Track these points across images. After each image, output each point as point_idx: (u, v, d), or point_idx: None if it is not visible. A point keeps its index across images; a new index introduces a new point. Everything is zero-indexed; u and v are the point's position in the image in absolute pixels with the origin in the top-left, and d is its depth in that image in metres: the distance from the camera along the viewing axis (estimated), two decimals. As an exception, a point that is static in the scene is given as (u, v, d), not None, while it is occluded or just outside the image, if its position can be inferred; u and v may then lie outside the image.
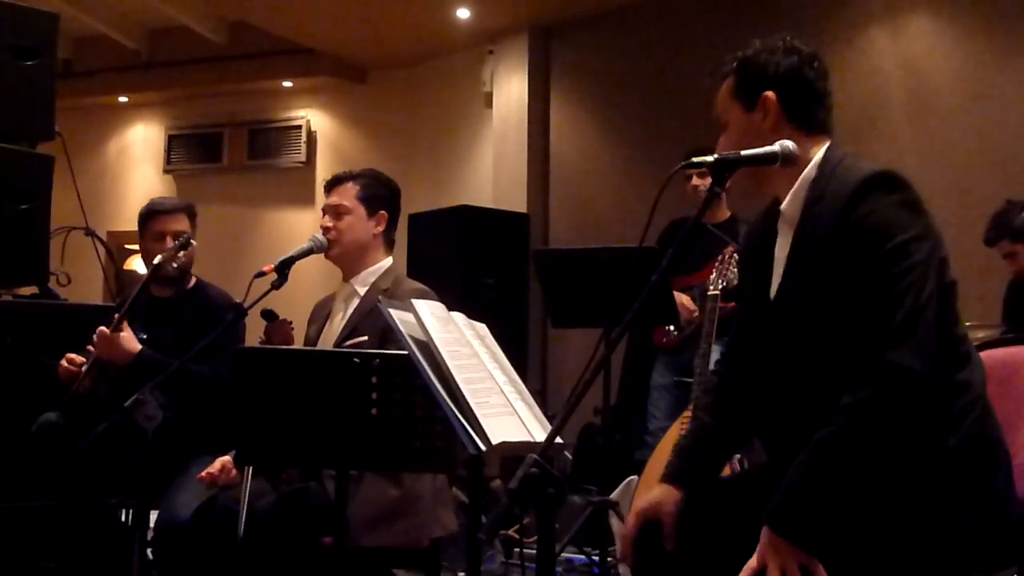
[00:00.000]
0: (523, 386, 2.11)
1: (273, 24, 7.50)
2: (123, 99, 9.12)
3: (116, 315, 3.24)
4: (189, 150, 8.82)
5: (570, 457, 5.46)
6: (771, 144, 1.88)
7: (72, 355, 3.30)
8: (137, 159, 9.19)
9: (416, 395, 2.20)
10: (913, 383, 1.69)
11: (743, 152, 1.89)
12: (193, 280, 3.55)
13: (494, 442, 1.85)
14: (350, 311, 3.02)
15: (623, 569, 3.46)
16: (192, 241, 3.39)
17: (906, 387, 1.69)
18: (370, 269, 3.07)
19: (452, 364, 1.94)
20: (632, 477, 3.77)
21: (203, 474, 2.86)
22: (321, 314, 3.16)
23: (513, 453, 1.88)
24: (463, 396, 1.89)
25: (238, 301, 2.88)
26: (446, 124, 7.74)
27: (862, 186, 1.80)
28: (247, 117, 8.56)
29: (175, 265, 3.34)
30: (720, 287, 3.76)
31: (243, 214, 8.56)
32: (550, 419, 2.03)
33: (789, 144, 1.89)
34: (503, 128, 7.21)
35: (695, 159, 1.92)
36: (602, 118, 6.97)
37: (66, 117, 4.52)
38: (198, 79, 8.54)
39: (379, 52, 7.77)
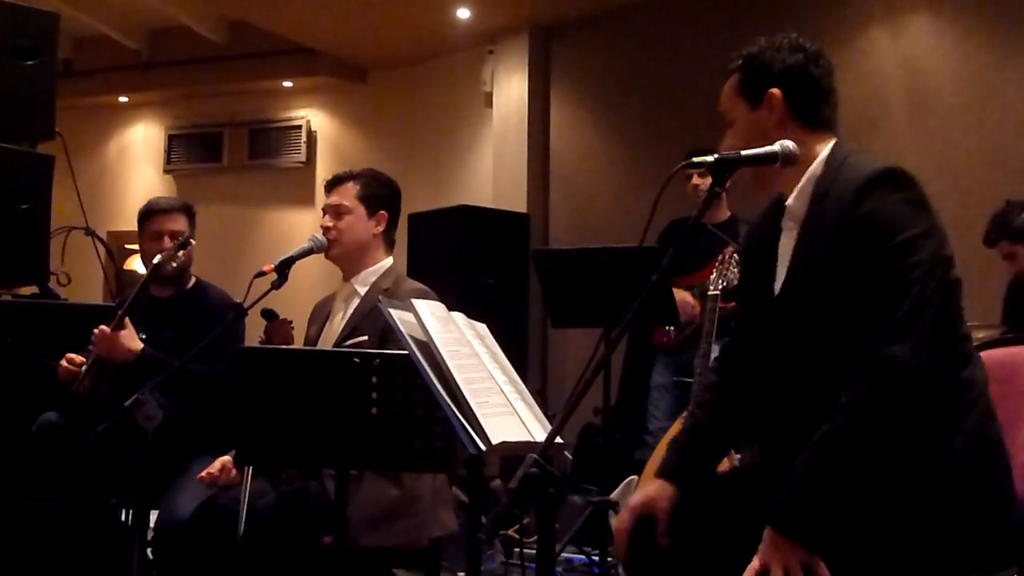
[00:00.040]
0: (523, 386, 2.11)
1: (273, 24, 7.50)
2: (123, 99, 9.13)
3: (118, 313, 3.24)
4: (189, 150, 8.82)
5: (570, 457, 5.46)
6: (775, 141, 1.88)
7: (72, 355, 3.30)
8: (137, 159, 9.19)
9: (416, 395, 2.20)
10: (910, 377, 1.69)
11: (743, 152, 1.90)
12: (193, 280, 3.55)
13: (494, 442, 1.85)
14: (350, 311, 3.02)
15: (623, 569, 3.46)
16: (191, 241, 3.38)
17: (903, 382, 1.69)
18: (370, 269, 3.07)
19: (452, 364, 1.94)
20: (632, 477, 3.77)
21: (203, 474, 2.86)
22: (321, 314, 3.16)
23: (513, 453, 1.88)
24: (463, 396, 1.90)
25: (238, 301, 2.88)
26: (446, 124, 7.74)
27: (868, 182, 1.80)
28: (247, 117, 8.56)
29: (174, 265, 3.34)
30: (720, 287, 3.76)
31: (243, 214, 8.57)
32: (550, 419, 2.03)
33: (789, 144, 1.89)
34: (503, 128, 7.21)
35: (695, 159, 1.92)
36: (602, 118, 6.97)
37: (66, 117, 4.52)
38: (198, 79, 8.54)
39: (379, 52, 7.77)
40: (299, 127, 8.39)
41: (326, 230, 3.04)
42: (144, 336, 3.33)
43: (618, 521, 1.98)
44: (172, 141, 8.89)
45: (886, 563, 1.73)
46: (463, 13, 6.92)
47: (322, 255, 3.05)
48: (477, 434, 1.86)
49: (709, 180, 1.90)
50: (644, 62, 6.68)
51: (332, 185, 3.10)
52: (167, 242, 3.39)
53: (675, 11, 6.53)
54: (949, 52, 5.51)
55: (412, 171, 7.20)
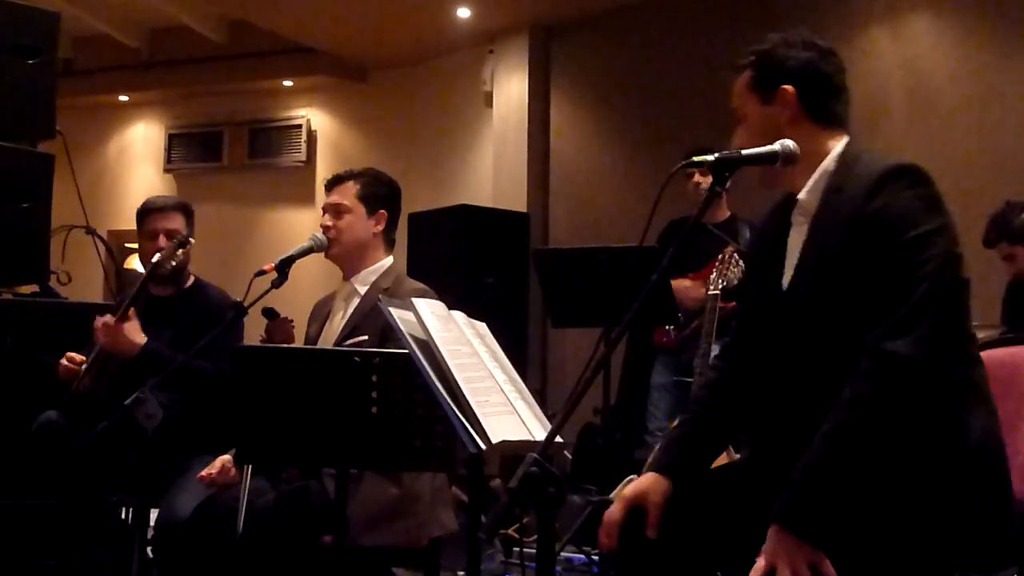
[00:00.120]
0: (523, 385, 2.11)
1: (273, 23, 7.50)
2: (123, 98, 9.13)
3: (124, 302, 3.24)
4: (189, 149, 8.82)
5: (570, 456, 5.46)
6: (787, 138, 1.89)
7: (72, 353, 3.29)
8: (137, 158, 9.19)
9: (416, 394, 2.20)
10: (912, 372, 1.68)
11: (744, 152, 1.90)
12: (192, 279, 3.55)
13: (494, 441, 1.85)
14: (350, 310, 3.02)
15: (607, 560, 3.46)
16: (190, 240, 3.37)
17: (905, 377, 1.69)
18: (370, 268, 3.07)
19: (452, 363, 1.94)
20: (632, 476, 3.76)
21: (202, 473, 2.86)
22: (321, 313, 3.16)
23: (513, 452, 1.88)
24: (463, 395, 1.90)
25: (238, 300, 2.88)
26: (446, 124, 7.74)
27: (883, 177, 1.80)
28: (247, 116, 8.56)
29: (173, 264, 3.33)
30: (720, 287, 3.76)
31: (243, 213, 8.57)
32: (550, 418, 2.03)
33: (789, 143, 1.90)
34: (503, 128, 7.21)
35: (696, 158, 1.92)
36: (602, 118, 6.97)
37: (67, 116, 4.52)
38: (198, 78, 8.55)
39: (379, 52, 7.77)
40: (299, 126, 8.39)
41: (326, 229, 3.04)
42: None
43: (608, 513, 1.97)
44: (172, 140, 8.89)
45: (887, 561, 1.73)
46: (463, 13, 6.92)
47: (322, 254, 3.05)
48: (477, 433, 1.86)
49: (710, 178, 1.90)
50: (644, 62, 6.68)
51: (332, 184, 3.10)
52: (163, 241, 3.38)
53: (675, 11, 6.53)
54: (949, 52, 5.51)
55: (412, 171, 7.20)
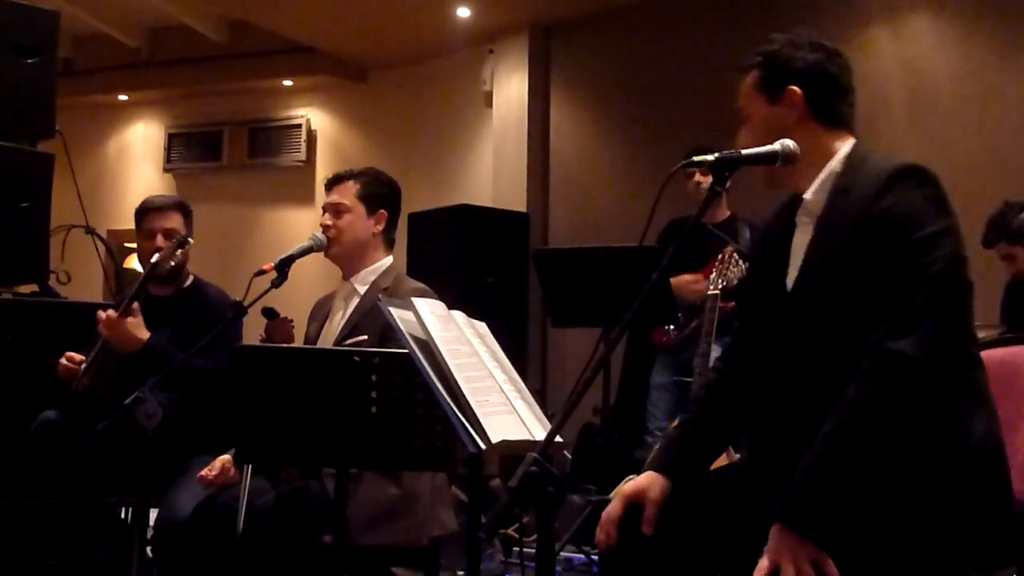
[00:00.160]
0: (523, 385, 2.11)
1: (273, 23, 7.50)
2: (123, 97, 9.12)
3: (124, 301, 3.23)
4: (189, 149, 8.82)
5: (569, 456, 5.46)
6: (791, 139, 1.89)
7: (72, 353, 3.29)
8: (137, 157, 9.19)
9: (416, 394, 2.20)
10: (915, 372, 1.68)
11: (744, 151, 1.91)
12: (190, 279, 3.54)
13: (494, 441, 1.85)
14: (350, 310, 3.02)
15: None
16: (189, 240, 3.37)
17: (908, 376, 1.68)
18: (370, 268, 3.07)
19: (452, 363, 1.94)
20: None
21: (202, 473, 2.86)
22: (321, 312, 3.16)
23: (513, 452, 1.88)
24: (463, 395, 1.89)
25: (237, 299, 2.88)
26: (446, 123, 7.74)
27: (892, 177, 1.80)
28: (247, 116, 8.56)
29: (172, 264, 3.33)
30: (720, 286, 3.77)
31: (243, 213, 8.57)
32: (550, 418, 2.03)
33: (789, 143, 1.90)
34: (503, 127, 7.21)
35: (696, 158, 1.92)
36: (602, 118, 6.97)
37: (66, 115, 4.52)
38: (198, 78, 8.54)
39: (379, 51, 7.77)
40: (299, 126, 8.39)
41: (326, 228, 3.04)
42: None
43: (607, 509, 1.97)
44: (172, 140, 8.88)
45: (889, 561, 1.73)
46: (463, 12, 6.92)
47: (322, 254, 3.05)
48: (477, 433, 1.86)
49: (710, 178, 1.90)
50: (644, 62, 6.68)
51: (332, 183, 3.10)
52: (160, 240, 3.37)
53: (675, 11, 6.53)
54: (949, 52, 5.51)
55: (412, 170, 7.19)
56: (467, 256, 6.38)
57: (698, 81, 6.20)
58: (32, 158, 3.88)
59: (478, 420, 1.86)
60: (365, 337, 2.87)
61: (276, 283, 2.80)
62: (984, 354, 1.93)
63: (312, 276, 5.24)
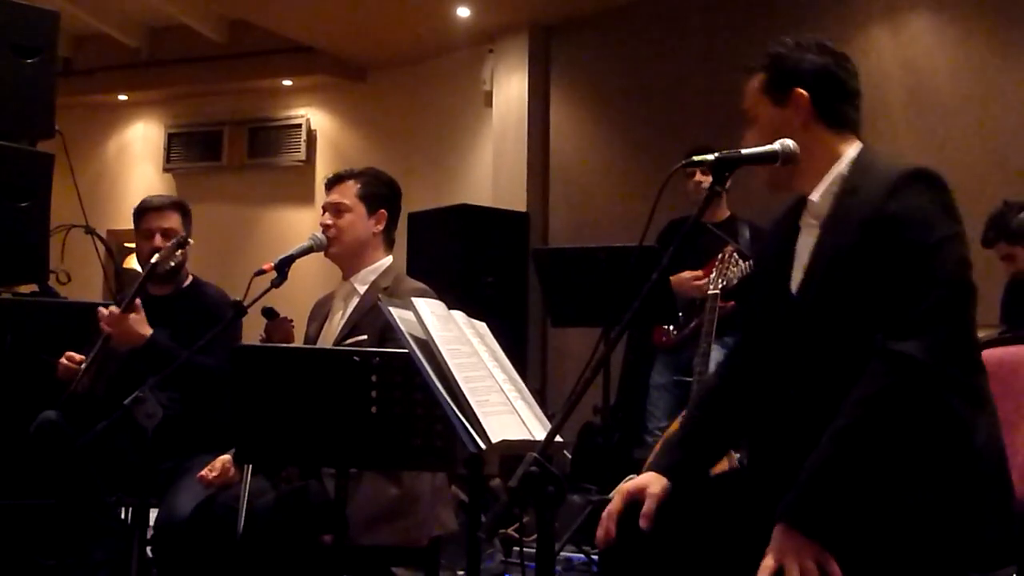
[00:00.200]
0: (523, 385, 2.11)
1: (273, 23, 7.50)
2: (123, 97, 9.12)
3: (127, 298, 3.23)
4: (189, 148, 8.82)
5: (569, 456, 5.46)
6: (797, 141, 1.89)
7: (71, 353, 3.29)
8: (137, 157, 9.19)
9: (416, 393, 2.20)
10: (922, 375, 1.68)
11: (744, 151, 1.90)
12: (189, 278, 3.55)
13: (494, 440, 1.85)
14: (350, 309, 3.02)
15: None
16: (189, 240, 3.37)
17: (915, 379, 1.68)
18: (370, 268, 3.06)
19: (452, 362, 1.94)
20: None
21: (202, 474, 2.86)
22: (321, 312, 3.16)
23: (513, 452, 1.88)
24: (463, 394, 1.89)
25: (236, 299, 2.88)
26: (446, 123, 7.74)
27: (901, 179, 1.80)
28: (247, 115, 8.56)
29: (171, 264, 3.33)
30: (720, 286, 3.77)
31: (243, 213, 8.57)
32: (550, 418, 2.03)
33: (789, 143, 1.90)
34: (503, 127, 7.21)
35: (696, 157, 1.92)
36: (602, 117, 6.97)
37: (66, 115, 4.52)
38: (198, 77, 8.54)
39: (379, 51, 7.77)
40: (299, 126, 8.39)
41: (326, 228, 3.04)
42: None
43: (608, 507, 1.97)
44: (172, 140, 8.89)
45: (891, 562, 1.73)
46: (463, 12, 6.92)
47: (322, 254, 3.05)
48: (477, 433, 1.86)
49: (711, 178, 1.90)
50: (644, 61, 6.68)
51: (332, 183, 3.10)
52: (159, 240, 3.37)
53: (675, 11, 6.53)
54: (949, 52, 5.51)
55: (412, 170, 7.19)
56: (467, 256, 6.38)
57: (698, 81, 6.20)
58: (32, 158, 3.88)
59: (478, 420, 1.86)
60: (365, 337, 2.87)
61: (276, 283, 2.80)
62: (983, 353, 1.93)
63: (312, 276, 5.24)
